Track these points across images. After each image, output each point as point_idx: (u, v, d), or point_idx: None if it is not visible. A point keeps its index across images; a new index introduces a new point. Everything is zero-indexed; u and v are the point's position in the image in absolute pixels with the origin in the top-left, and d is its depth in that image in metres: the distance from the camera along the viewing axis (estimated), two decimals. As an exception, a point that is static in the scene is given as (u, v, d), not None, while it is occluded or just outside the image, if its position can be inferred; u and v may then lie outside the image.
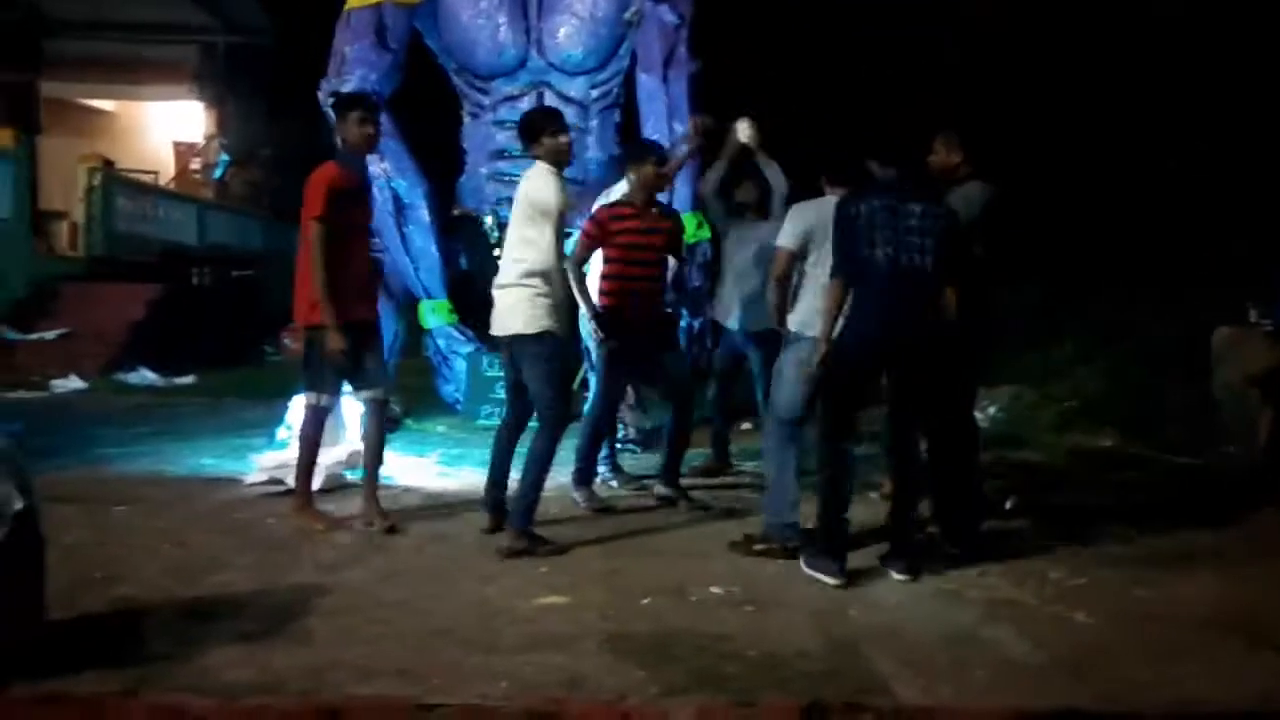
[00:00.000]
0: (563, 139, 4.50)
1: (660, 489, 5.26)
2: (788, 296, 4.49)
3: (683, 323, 7.27)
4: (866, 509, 4.46)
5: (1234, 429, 6.97)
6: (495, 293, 4.50)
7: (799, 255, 4.43)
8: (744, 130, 5.74)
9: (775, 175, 5.74)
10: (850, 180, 4.38)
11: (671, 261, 5.35)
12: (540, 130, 4.50)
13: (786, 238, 4.46)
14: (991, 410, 8.43)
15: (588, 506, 5.11)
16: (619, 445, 6.01)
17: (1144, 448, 7.31)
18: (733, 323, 5.80)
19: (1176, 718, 2.83)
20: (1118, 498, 5.80)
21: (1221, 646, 3.34)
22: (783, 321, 4.53)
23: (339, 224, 4.50)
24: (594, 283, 5.13)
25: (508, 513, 4.49)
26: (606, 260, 5.09)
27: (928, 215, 4.00)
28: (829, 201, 4.34)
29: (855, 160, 4.47)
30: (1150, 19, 11.71)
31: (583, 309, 5.06)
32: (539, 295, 4.36)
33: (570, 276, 4.77)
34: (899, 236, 3.95)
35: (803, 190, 5.05)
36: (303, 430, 4.72)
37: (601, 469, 5.66)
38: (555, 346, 4.41)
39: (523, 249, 4.42)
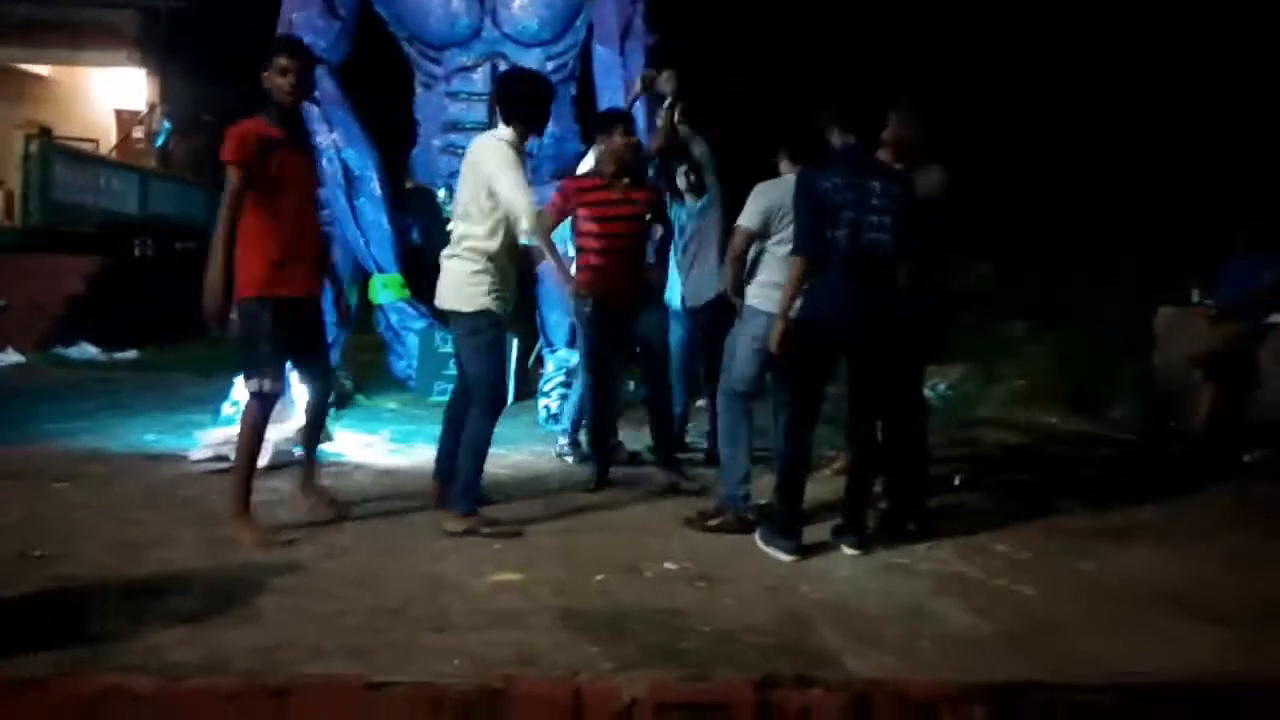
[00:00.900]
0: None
1: (658, 471, 5.20)
2: (743, 275, 4.48)
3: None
4: (816, 484, 4.49)
5: (1176, 407, 7.16)
6: (441, 263, 4.34)
7: (759, 234, 4.41)
8: (664, 80, 5.44)
9: (700, 147, 5.57)
10: (810, 156, 4.37)
11: (658, 231, 5.24)
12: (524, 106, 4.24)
13: (748, 216, 4.42)
14: (942, 388, 8.55)
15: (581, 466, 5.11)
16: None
17: (1090, 425, 7.46)
18: (675, 301, 5.77)
19: (1120, 689, 2.88)
20: (1064, 474, 5.92)
21: (1164, 619, 3.41)
22: (739, 297, 4.52)
23: (259, 177, 3.91)
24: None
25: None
26: (583, 234, 5.02)
27: (887, 194, 3.99)
28: (791, 180, 4.31)
29: (815, 133, 4.46)
30: (1150, 19, 11.84)
31: (557, 272, 5.00)
32: (478, 271, 4.18)
33: (540, 244, 4.66)
34: (860, 214, 3.94)
35: (737, 165, 5.00)
36: (244, 420, 4.04)
37: (562, 440, 5.65)
38: (492, 325, 4.21)
39: (467, 222, 4.24)
